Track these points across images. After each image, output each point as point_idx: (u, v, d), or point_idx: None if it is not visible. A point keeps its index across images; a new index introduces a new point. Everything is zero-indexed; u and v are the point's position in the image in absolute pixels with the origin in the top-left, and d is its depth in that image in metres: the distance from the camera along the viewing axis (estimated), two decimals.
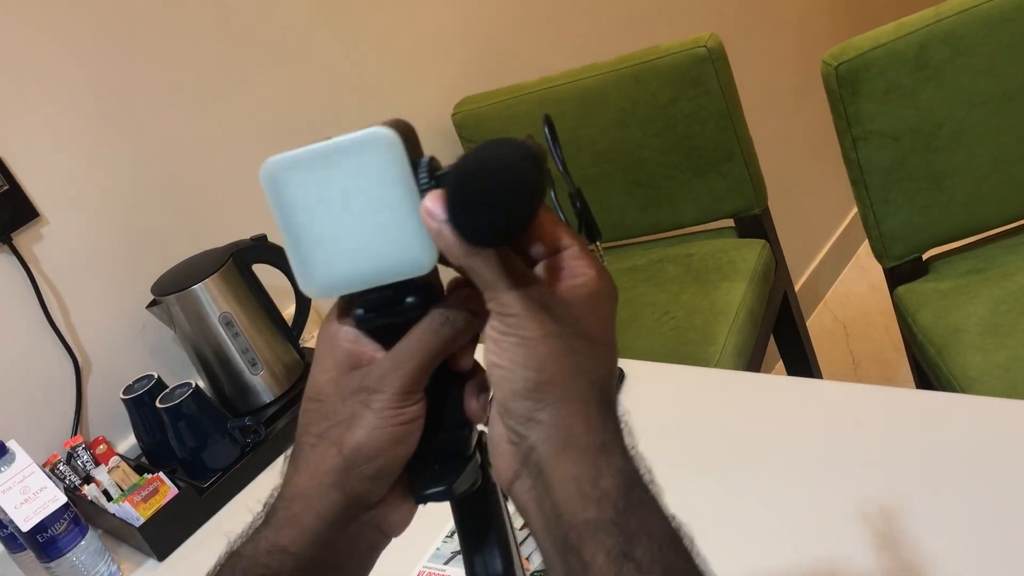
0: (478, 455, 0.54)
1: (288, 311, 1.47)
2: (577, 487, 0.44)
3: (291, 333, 1.45)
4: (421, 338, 0.49)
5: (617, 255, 1.83)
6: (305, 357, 1.46)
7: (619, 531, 0.43)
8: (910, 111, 1.28)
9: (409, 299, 0.49)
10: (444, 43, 1.86)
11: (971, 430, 0.90)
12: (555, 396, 0.45)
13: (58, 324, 1.33)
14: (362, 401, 0.49)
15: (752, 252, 1.64)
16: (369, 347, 0.51)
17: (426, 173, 0.47)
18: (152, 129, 1.43)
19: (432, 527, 1.01)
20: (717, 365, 1.40)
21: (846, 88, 1.28)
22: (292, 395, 1.40)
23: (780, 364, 1.97)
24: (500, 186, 0.42)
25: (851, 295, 2.82)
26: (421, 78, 1.82)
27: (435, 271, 0.50)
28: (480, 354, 0.51)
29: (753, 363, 1.51)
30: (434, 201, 0.45)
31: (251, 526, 0.53)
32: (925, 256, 1.43)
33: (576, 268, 0.47)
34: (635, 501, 0.44)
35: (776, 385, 1.10)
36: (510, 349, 0.46)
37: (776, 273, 1.70)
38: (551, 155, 0.52)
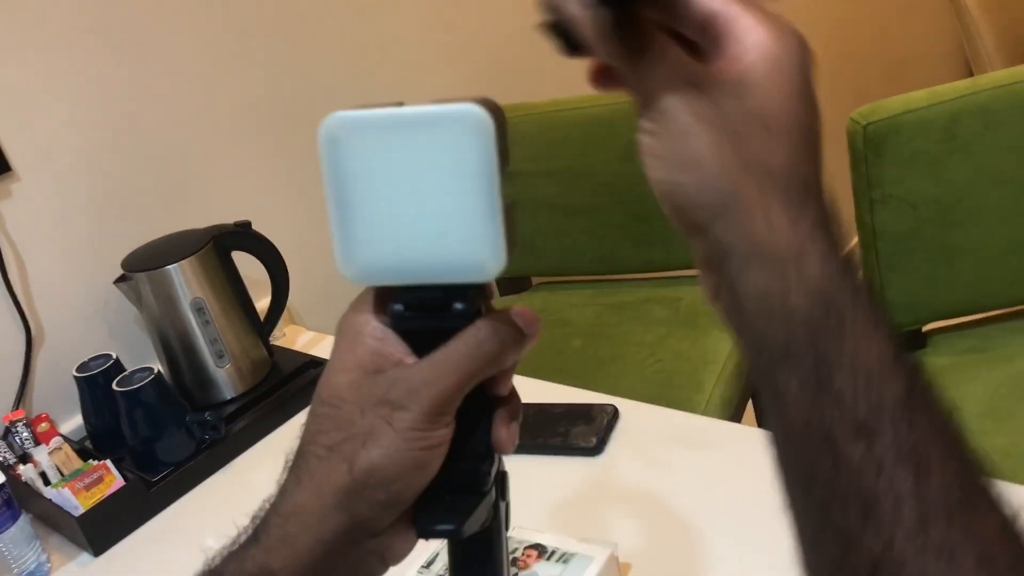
0: (494, 491, 0.47)
1: (261, 304, 1.39)
2: (764, 304, 0.37)
3: (262, 328, 1.37)
4: (463, 351, 0.43)
5: (604, 289, 1.78)
6: (274, 355, 1.38)
7: (812, 356, 0.36)
8: (933, 181, 1.26)
9: (458, 305, 0.43)
10: (452, 51, 1.80)
11: None
12: (721, 198, 0.37)
13: (15, 287, 1.23)
14: (384, 417, 0.42)
15: None
16: (397, 349, 0.44)
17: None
18: (143, 96, 1.35)
19: None
20: (704, 414, 1.36)
21: (871, 149, 1.25)
22: (256, 394, 1.32)
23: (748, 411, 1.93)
24: None
25: None
26: (426, 83, 1.75)
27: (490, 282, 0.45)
28: None
29: (736, 414, 1.47)
30: None
31: (235, 541, 0.46)
32: (924, 328, 1.41)
33: (738, 32, 0.37)
34: (836, 320, 0.36)
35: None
36: (661, 150, 0.38)
37: None
38: None
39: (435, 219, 0.42)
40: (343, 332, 0.46)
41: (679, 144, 0.38)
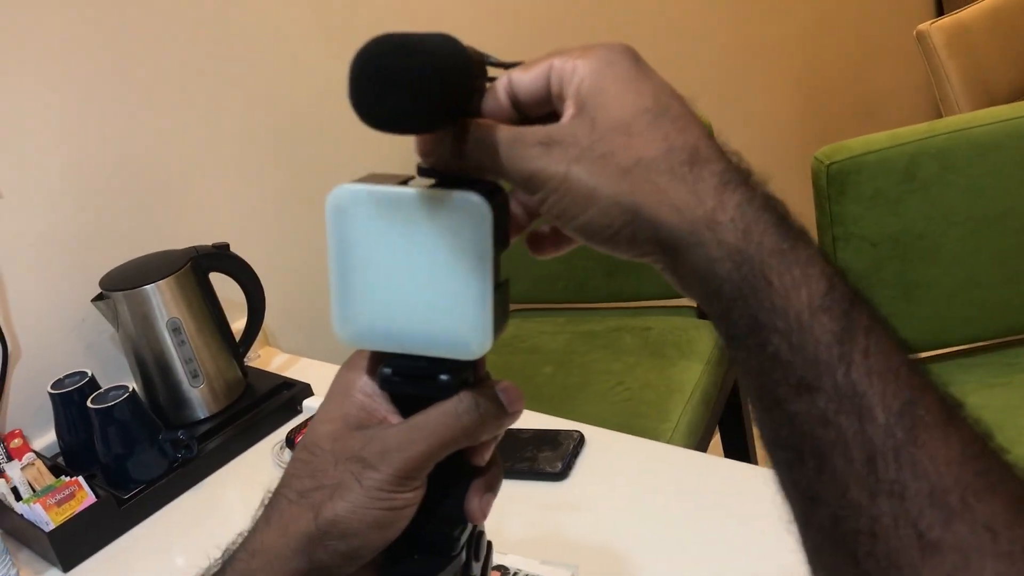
0: (463, 555, 0.48)
1: (237, 325, 1.41)
2: (703, 283, 0.39)
3: (238, 349, 1.39)
4: (440, 420, 0.44)
5: (574, 318, 1.81)
6: (248, 376, 1.40)
7: (747, 320, 0.36)
8: (892, 219, 1.31)
9: (443, 376, 0.45)
10: None
11: None
12: (625, 211, 0.39)
13: None
14: (354, 472, 0.44)
15: (710, 334, 1.63)
16: (383, 407, 0.46)
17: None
18: (125, 118, 1.37)
19: None
20: (670, 442, 1.38)
21: (834, 187, 1.30)
22: (229, 414, 1.33)
23: (716, 439, 1.96)
24: (397, 67, 0.37)
25: None
26: None
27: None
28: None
29: (702, 444, 1.49)
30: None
31: (206, 572, 0.48)
32: None
33: (563, 75, 0.41)
34: (760, 277, 0.36)
35: (746, 473, 1.08)
36: (560, 206, 0.40)
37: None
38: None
39: (428, 295, 0.43)
40: (335, 385, 0.48)
41: (571, 191, 0.40)
